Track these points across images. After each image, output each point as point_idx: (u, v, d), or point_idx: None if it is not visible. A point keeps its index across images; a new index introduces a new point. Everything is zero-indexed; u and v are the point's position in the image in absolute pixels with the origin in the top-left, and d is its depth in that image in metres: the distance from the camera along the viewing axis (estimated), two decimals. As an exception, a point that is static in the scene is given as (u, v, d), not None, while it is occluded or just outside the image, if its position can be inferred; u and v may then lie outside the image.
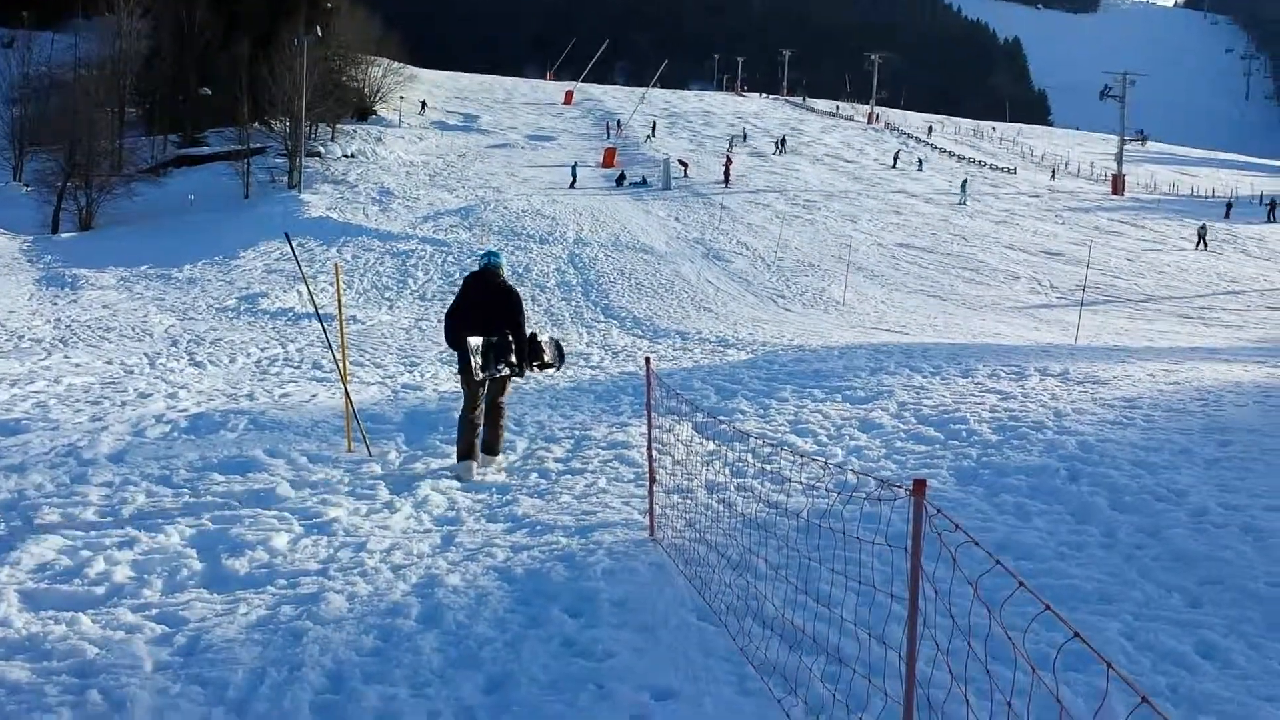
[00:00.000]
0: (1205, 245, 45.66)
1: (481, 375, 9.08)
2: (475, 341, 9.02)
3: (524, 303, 9.87)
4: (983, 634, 3.72)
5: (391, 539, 7.15)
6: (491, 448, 9.42)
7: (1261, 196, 60.37)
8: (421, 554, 6.82)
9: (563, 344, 11.04)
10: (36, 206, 49.92)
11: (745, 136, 76.82)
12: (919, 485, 3.24)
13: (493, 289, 9.46)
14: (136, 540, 6.96)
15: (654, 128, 77.37)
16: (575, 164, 58.34)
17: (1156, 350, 18.71)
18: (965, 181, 58.97)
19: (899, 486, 3.54)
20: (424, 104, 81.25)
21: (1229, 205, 58.34)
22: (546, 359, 9.83)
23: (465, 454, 9.20)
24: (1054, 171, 74.20)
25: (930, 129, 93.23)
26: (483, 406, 9.32)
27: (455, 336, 9.22)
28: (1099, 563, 6.50)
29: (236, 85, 56.88)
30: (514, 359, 9.28)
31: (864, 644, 4.84)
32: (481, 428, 9.31)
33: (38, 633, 5.36)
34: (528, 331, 9.61)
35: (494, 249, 11.51)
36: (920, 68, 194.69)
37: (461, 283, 10.01)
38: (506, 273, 10.50)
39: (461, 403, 9.61)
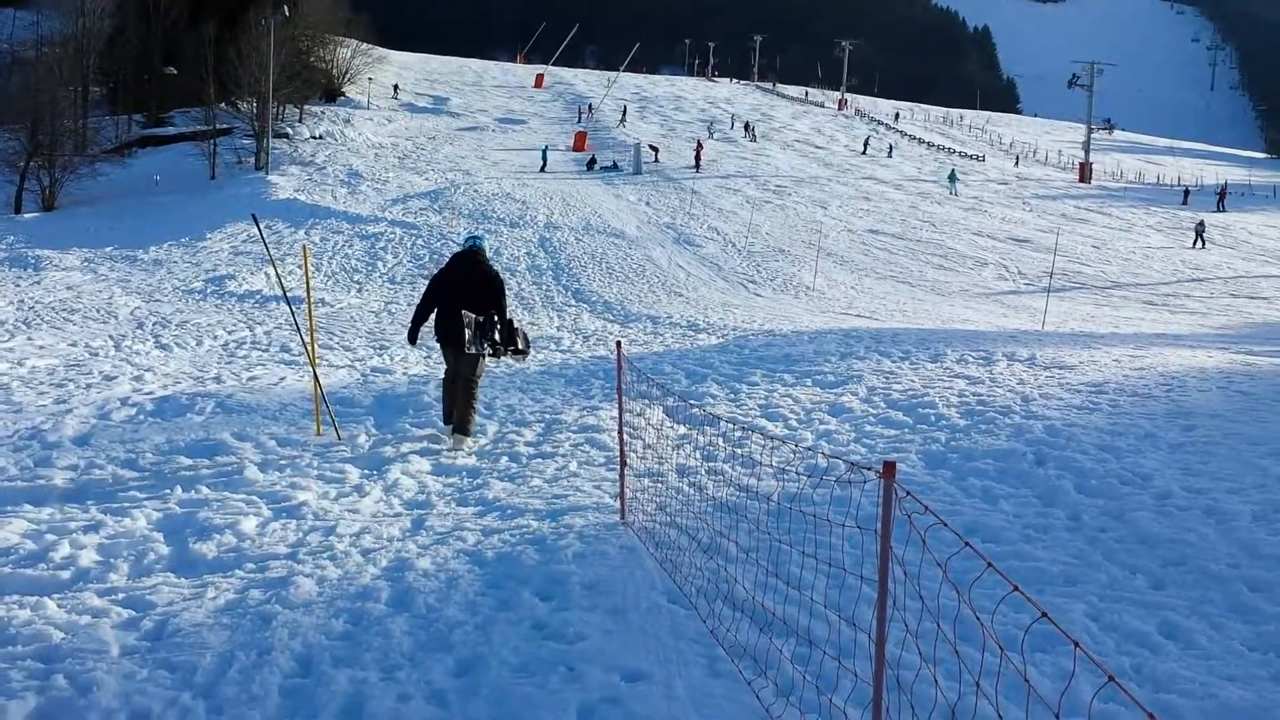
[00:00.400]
0: (1204, 243, 44.58)
1: (470, 350, 9.50)
2: (470, 316, 9.50)
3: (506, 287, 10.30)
4: (951, 615, 3.75)
5: (361, 523, 7.13)
6: (463, 428, 9.62)
7: (1225, 185, 60.82)
8: (391, 538, 6.80)
9: (529, 333, 11.32)
10: (-2, 186, 49.31)
11: (733, 124, 76.24)
12: (889, 467, 3.26)
13: (477, 272, 9.85)
14: (102, 524, 6.91)
15: (625, 112, 77.13)
16: (546, 147, 58.19)
17: (1122, 336, 18.88)
18: (953, 172, 58.12)
19: (869, 469, 3.55)
20: (396, 87, 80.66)
21: (1186, 192, 58.76)
22: (519, 345, 10.09)
23: (449, 417, 9.80)
24: (1018, 159, 74.60)
25: (898, 115, 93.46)
26: (460, 379, 9.71)
27: (435, 309, 9.78)
28: (1065, 545, 6.58)
29: (202, 65, 56.21)
30: (496, 338, 9.67)
31: (834, 626, 4.87)
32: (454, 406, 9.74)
33: (1, 617, 5.31)
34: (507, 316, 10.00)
35: (478, 233, 11.75)
36: (890, 55, 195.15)
37: (449, 260, 10.29)
38: (490, 255, 10.76)
39: (442, 373, 10.26)
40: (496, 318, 9.67)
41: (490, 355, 9.77)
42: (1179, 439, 8.96)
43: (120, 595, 5.71)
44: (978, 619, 2.99)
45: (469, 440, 9.59)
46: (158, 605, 5.55)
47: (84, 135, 55.79)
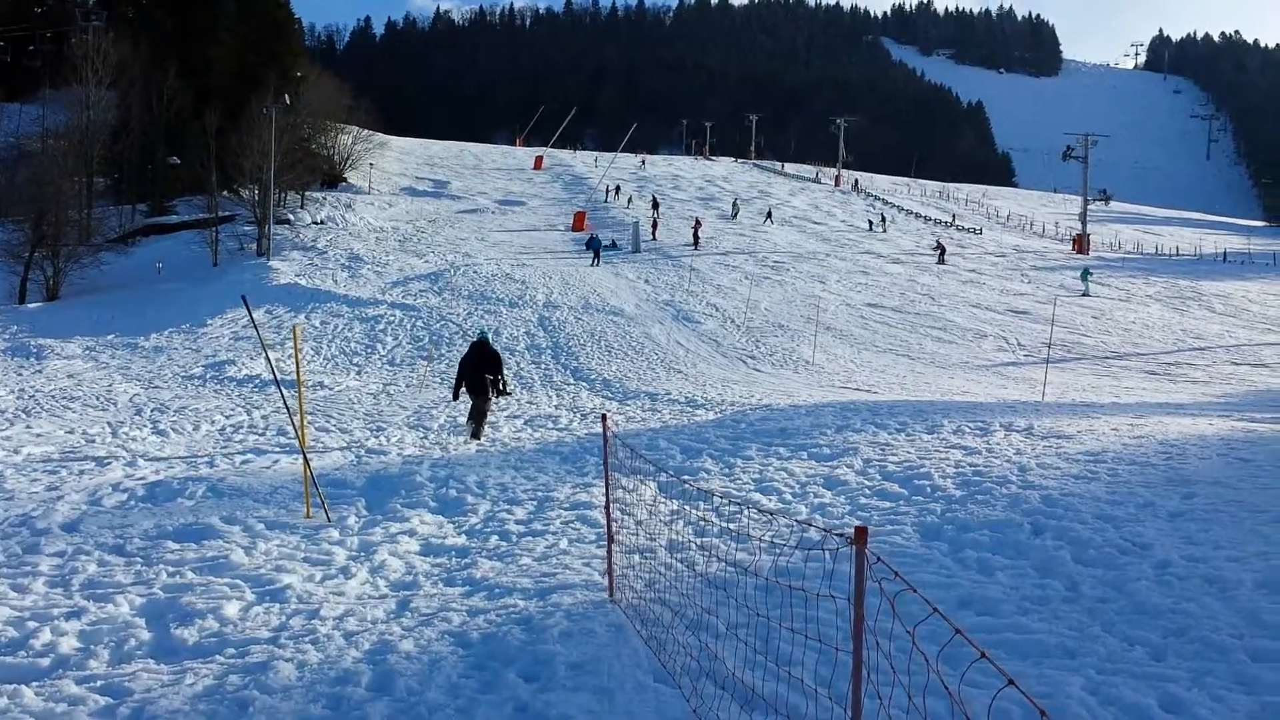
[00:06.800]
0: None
1: (491, 397, 16.33)
2: (489, 378, 16.18)
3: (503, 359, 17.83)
4: (922, 686, 3.66)
5: (346, 605, 7.03)
6: (477, 435, 15.79)
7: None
8: (375, 620, 6.70)
9: (508, 384, 18.53)
10: (2, 277, 49.42)
11: (734, 209, 74.06)
12: (860, 533, 3.20)
13: (487, 353, 16.54)
14: (85, 610, 6.82)
15: (618, 190, 77.40)
16: (598, 240, 54.34)
17: (1122, 406, 18.81)
18: (1086, 270, 52.22)
19: (839, 535, 3.49)
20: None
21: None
22: (506, 390, 17.26)
23: (469, 427, 16.04)
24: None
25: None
26: (476, 409, 16.10)
27: (465, 378, 16.32)
28: (1062, 617, 6.47)
29: (205, 154, 56.76)
30: (501, 388, 16.77)
31: (817, 700, 4.76)
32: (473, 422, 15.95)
33: (-25, 706, 5.22)
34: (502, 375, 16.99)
35: (485, 327, 16.59)
36: (885, 131, 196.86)
37: (469, 346, 17.38)
38: (491, 337, 18.68)
39: (468, 411, 16.63)
40: (501, 378, 16.69)
41: (496, 396, 16.62)
42: (1179, 507, 8.86)
43: (99, 683, 5.63)
44: (945, 687, 2.91)
45: (481, 440, 15.56)
46: (135, 692, 5.46)
47: (88, 225, 56.12)
